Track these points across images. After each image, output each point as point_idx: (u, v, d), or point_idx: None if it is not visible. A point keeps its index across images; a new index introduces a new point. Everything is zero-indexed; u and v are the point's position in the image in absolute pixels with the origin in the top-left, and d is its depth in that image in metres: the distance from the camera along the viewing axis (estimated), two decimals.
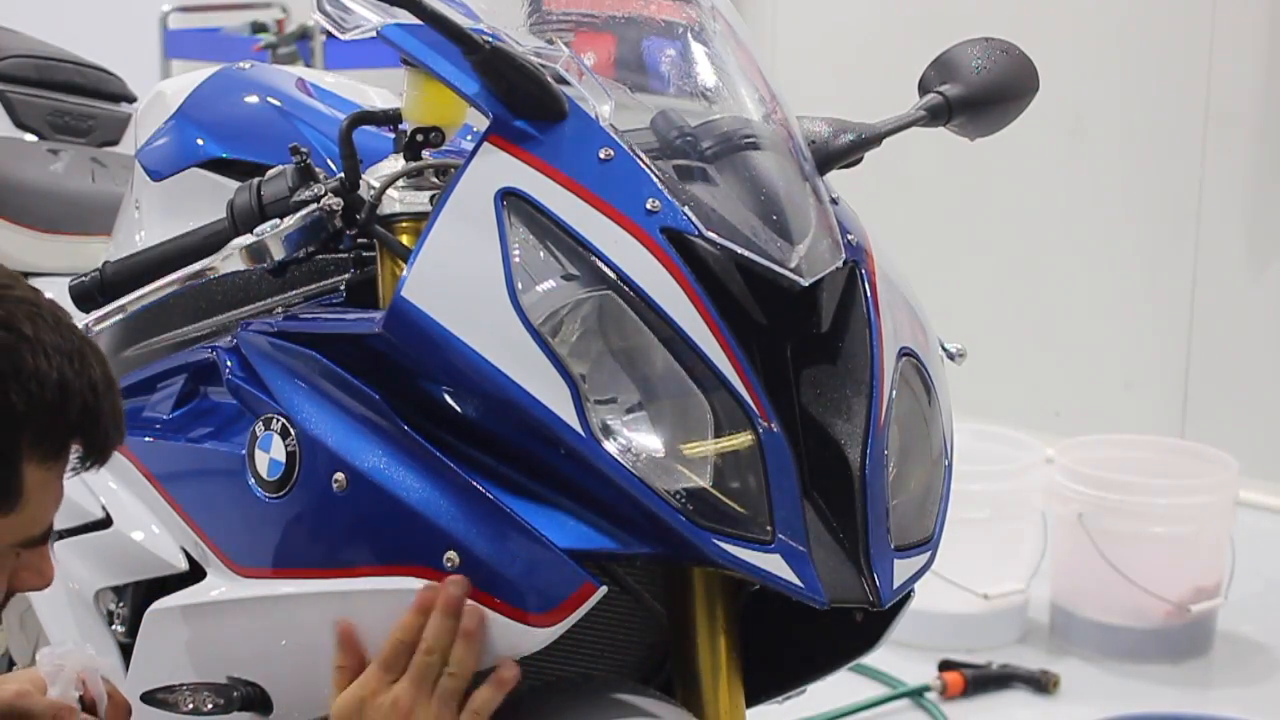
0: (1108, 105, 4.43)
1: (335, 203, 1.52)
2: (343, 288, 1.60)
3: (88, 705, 1.53)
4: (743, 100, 1.53)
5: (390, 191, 1.52)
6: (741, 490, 1.36)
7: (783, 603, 1.42)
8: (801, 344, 1.44)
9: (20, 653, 2.00)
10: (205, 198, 1.75)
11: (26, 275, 2.49)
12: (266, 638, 1.51)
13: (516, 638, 1.37)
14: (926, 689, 3.22)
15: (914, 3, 4.74)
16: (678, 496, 1.34)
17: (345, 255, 1.61)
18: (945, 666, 3.26)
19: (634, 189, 1.40)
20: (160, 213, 1.84)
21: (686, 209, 1.40)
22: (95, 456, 1.36)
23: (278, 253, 1.54)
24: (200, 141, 1.83)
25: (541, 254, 1.38)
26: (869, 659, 1.65)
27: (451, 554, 1.36)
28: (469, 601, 1.37)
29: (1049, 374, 4.62)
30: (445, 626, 1.38)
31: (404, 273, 1.40)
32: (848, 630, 1.54)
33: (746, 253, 1.40)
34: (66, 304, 1.65)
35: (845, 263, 1.47)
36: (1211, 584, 3.41)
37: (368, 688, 1.40)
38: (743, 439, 1.37)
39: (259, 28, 5.48)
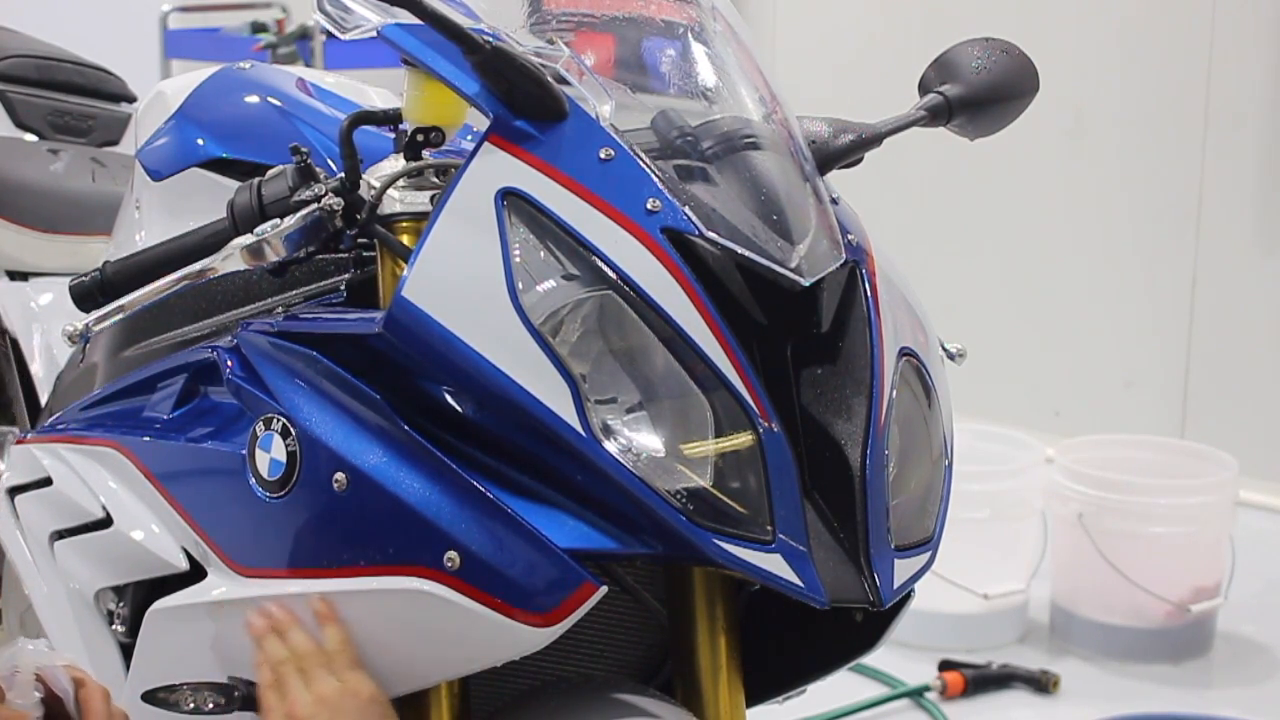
0: (1108, 105, 4.43)
1: (336, 203, 1.52)
2: (343, 288, 1.60)
3: (53, 702, 1.50)
4: (743, 100, 1.53)
5: (390, 191, 1.52)
6: (742, 490, 1.36)
7: (783, 603, 1.42)
8: (801, 344, 1.44)
9: None
10: (205, 198, 1.75)
11: (26, 275, 2.52)
12: None
13: (517, 637, 1.37)
14: (926, 689, 3.22)
15: (914, 3, 4.74)
16: (678, 496, 1.34)
17: (345, 255, 1.61)
18: (945, 666, 3.26)
19: (634, 189, 1.40)
20: (160, 213, 1.85)
21: (687, 209, 1.40)
22: None
23: (278, 252, 1.54)
24: (200, 141, 1.83)
25: (542, 254, 1.38)
26: (869, 659, 1.65)
27: (452, 554, 1.36)
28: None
29: (1049, 374, 4.62)
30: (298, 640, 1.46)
31: (404, 272, 1.40)
32: (848, 630, 1.54)
33: (747, 253, 1.40)
34: (66, 304, 1.66)
35: (845, 263, 1.47)
36: (1211, 584, 3.41)
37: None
38: (743, 439, 1.37)
39: (259, 28, 5.48)
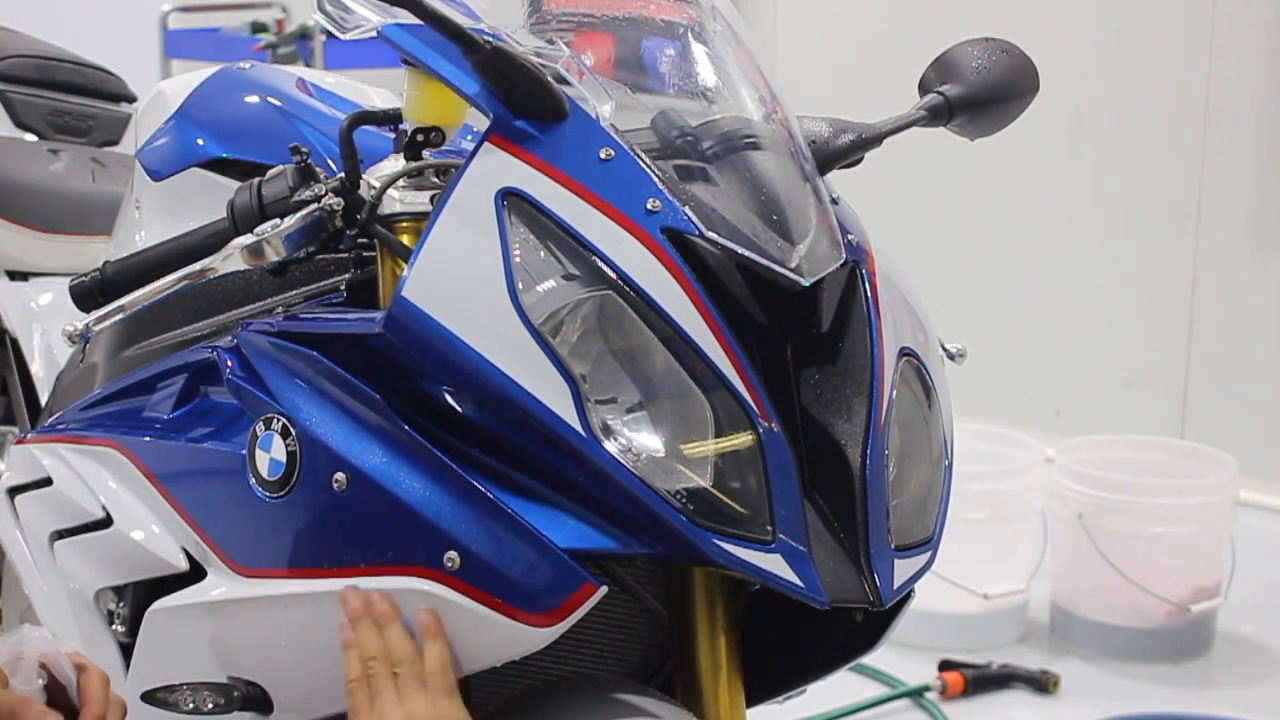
0: (1108, 104, 4.43)
1: (336, 203, 1.52)
2: (343, 288, 1.60)
3: (56, 689, 1.49)
4: (743, 100, 1.53)
5: (390, 191, 1.52)
6: (742, 490, 1.36)
7: (783, 603, 1.42)
8: (802, 344, 1.44)
9: None
10: (205, 198, 1.75)
11: (26, 275, 2.52)
12: (267, 637, 1.51)
13: (517, 637, 1.37)
14: (926, 689, 3.22)
15: (914, 3, 4.74)
16: (678, 496, 1.34)
17: (345, 255, 1.61)
18: (945, 666, 3.26)
19: (634, 189, 1.40)
20: (160, 213, 1.85)
21: (687, 209, 1.40)
22: None
23: (278, 253, 1.54)
24: (200, 141, 1.83)
25: (542, 254, 1.38)
26: (869, 659, 1.65)
27: (452, 554, 1.37)
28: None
29: (1049, 374, 4.62)
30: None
31: (404, 272, 1.40)
32: (848, 630, 1.54)
33: (747, 253, 1.40)
34: (66, 304, 1.66)
35: (845, 263, 1.47)
36: (1211, 584, 3.41)
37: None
38: (743, 439, 1.37)
39: (259, 28, 5.48)
